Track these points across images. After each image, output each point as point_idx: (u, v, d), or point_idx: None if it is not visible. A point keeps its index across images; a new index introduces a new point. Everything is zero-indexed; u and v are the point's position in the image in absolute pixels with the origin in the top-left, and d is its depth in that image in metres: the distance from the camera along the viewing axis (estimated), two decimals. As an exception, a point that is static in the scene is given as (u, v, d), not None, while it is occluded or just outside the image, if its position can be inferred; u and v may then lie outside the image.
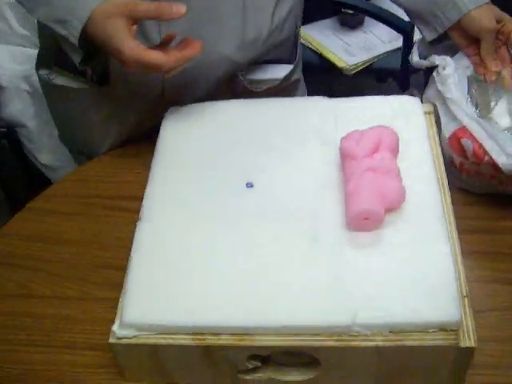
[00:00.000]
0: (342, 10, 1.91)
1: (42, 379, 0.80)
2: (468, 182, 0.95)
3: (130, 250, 0.79)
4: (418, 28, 1.04)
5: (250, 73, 1.04)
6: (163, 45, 0.86)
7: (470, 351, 0.70)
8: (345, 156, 0.82)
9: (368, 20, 1.94)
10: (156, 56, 0.79)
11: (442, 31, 1.00)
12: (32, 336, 0.84)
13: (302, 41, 1.78)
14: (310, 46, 1.87)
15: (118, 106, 1.05)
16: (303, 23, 1.86)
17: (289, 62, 1.09)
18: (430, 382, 0.75)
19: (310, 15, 1.91)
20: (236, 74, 1.01)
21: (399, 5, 1.06)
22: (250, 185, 0.83)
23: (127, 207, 0.97)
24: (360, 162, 0.79)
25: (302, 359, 0.74)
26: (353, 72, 1.83)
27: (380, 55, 1.85)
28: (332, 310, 0.70)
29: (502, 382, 0.76)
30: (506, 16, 0.98)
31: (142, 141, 1.06)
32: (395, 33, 1.83)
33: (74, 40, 0.82)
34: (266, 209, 0.81)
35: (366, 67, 1.84)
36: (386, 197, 0.76)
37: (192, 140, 0.92)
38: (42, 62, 1.09)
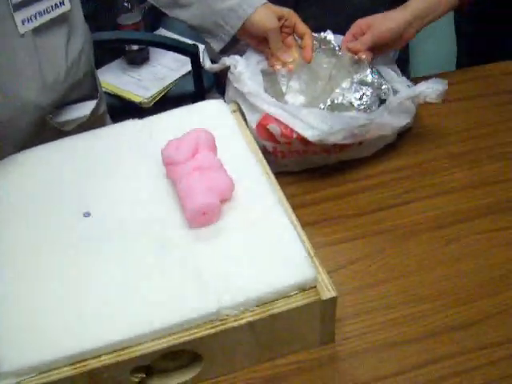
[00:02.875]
0: (127, 48, 1.97)
1: None
2: (285, 163, 1.03)
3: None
4: (207, 41, 1.11)
5: (57, 116, 1.05)
6: None
7: (332, 301, 0.77)
8: (168, 164, 0.86)
9: (153, 54, 2.04)
10: None
11: (228, 39, 1.08)
12: None
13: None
14: (105, 90, 1.89)
15: None
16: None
17: (92, 98, 1.12)
18: (305, 341, 0.81)
19: (97, 61, 1.93)
20: (44, 118, 1.02)
21: (184, 22, 1.12)
22: (87, 214, 0.85)
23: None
24: (184, 165, 0.84)
25: (183, 360, 0.77)
26: (151, 104, 1.88)
27: (172, 83, 1.95)
28: (197, 301, 0.74)
29: (364, 326, 0.85)
30: (285, 11, 1.08)
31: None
32: (180, 59, 1.94)
33: None
34: (108, 230, 0.83)
35: (163, 97, 1.91)
36: (217, 189, 0.82)
37: (23, 190, 0.91)
38: None
